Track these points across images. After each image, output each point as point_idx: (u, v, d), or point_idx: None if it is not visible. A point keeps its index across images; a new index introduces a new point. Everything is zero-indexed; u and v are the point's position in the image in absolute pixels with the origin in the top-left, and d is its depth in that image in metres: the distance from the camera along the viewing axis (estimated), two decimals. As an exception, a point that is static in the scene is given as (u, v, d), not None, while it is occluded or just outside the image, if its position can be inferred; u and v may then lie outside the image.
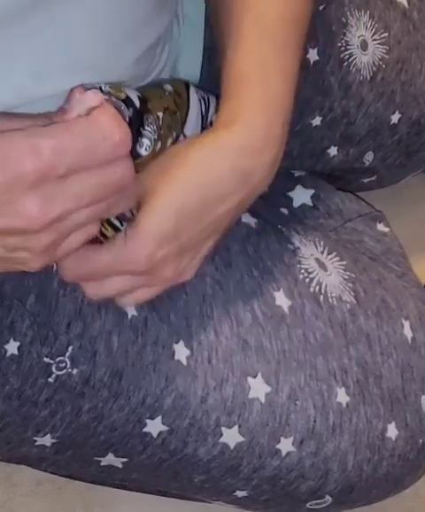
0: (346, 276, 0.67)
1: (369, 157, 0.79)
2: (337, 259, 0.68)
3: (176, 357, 0.60)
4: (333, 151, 0.76)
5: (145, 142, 0.51)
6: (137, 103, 0.50)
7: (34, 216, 0.43)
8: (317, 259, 0.66)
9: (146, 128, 0.51)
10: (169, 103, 0.55)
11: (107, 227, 0.51)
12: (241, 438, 0.61)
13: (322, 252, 0.68)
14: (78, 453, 0.63)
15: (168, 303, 0.61)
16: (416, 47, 0.76)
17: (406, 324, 0.66)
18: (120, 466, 0.64)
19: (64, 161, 0.43)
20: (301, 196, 0.78)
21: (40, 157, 0.42)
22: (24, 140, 0.42)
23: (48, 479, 0.87)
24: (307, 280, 0.65)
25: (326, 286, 0.65)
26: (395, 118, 0.77)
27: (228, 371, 0.60)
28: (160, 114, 0.53)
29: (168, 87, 0.56)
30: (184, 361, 0.60)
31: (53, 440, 0.61)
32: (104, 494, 0.86)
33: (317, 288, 0.65)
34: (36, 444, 0.61)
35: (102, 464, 0.64)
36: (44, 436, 0.61)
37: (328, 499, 0.65)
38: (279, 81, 0.54)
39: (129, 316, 0.60)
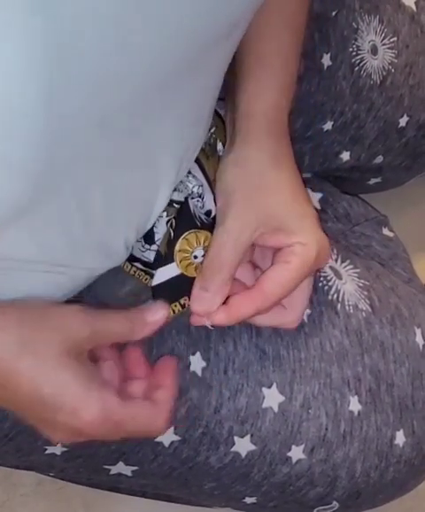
0: (361, 284, 0.66)
1: (379, 160, 0.78)
2: (351, 267, 0.67)
3: (192, 368, 0.60)
4: (345, 156, 0.75)
5: None
6: None
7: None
8: (331, 267, 0.66)
9: None
10: None
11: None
12: (253, 447, 0.61)
13: (336, 260, 0.67)
14: (88, 461, 0.62)
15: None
16: (424, 51, 0.76)
17: (418, 332, 0.66)
18: (130, 474, 0.63)
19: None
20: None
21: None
22: (97, 405, 0.47)
23: (48, 479, 0.86)
24: (326, 287, 0.64)
25: (343, 294, 0.64)
26: (403, 121, 0.76)
27: (243, 382, 0.60)
28: None
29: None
30: (199, 373, 0.60)
31: (63, 449, 0.61)
32: (105, 494, 0.85)
33: (335, 296, 0.64)
34: (46, 452, 0.61)
35: (111, 472, 0.63)
36: (55, 444, 0.60)
37: (336, 504, 0.65)
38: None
39: None
